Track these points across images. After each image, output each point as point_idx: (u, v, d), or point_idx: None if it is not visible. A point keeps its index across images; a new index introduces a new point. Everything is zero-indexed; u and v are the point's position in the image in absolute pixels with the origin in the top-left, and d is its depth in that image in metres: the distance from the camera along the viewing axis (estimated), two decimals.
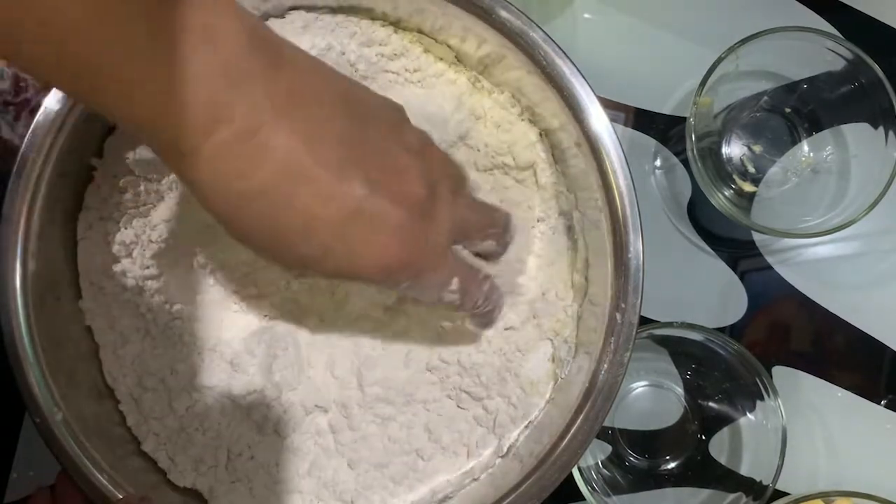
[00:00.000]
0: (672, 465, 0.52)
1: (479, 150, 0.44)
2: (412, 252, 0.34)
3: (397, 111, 0.36)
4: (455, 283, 0.37)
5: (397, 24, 0.44)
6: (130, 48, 0.28)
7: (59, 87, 0.35)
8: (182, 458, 0.42)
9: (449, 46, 0.44)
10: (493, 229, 0.41)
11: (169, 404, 0.42)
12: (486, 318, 0.42)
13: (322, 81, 0.33)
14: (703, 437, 0.52)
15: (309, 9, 0.43)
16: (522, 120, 0.44)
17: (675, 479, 0.51)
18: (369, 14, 0.44)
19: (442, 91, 0.44)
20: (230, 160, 0.30)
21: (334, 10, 0.43)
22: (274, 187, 0.31)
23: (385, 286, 0.36)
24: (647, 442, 0.52)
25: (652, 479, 0.51)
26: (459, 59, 0.45)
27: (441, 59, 0.44)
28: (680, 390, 0.53)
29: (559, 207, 0.44)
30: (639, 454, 0.52)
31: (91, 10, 0.27)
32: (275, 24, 0.42)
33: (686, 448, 0.52)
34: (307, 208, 0.32)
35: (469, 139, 0.44)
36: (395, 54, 0.44)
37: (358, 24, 0.43)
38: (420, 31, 0.44)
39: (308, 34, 0.43)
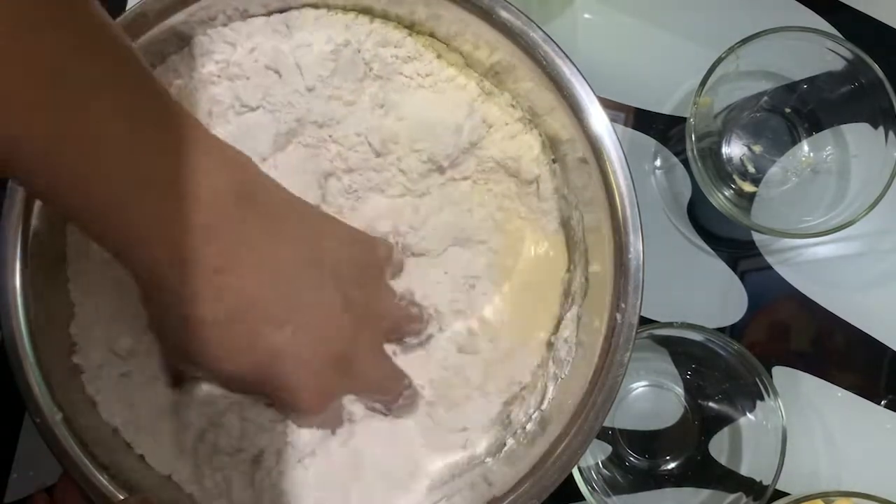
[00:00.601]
0: (672, 465, 0.52)
1: (486, 160, 0.44)
2: (309, 402, 0.39)
3: (340, 232, 0.41)
4: (332, 430, 0.42)
5: (411, 28, 0.44)
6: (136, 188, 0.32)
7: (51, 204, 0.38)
8: (183, 461, 0.42)
9: (460, 53, 0.44)
10: (388, 395, 0.42)
11: (163, 409, 0.42)
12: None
13: (294, 226, 0.38)
14: (704, 438, 0.52)
15: (321, 6, 0.43)
16: (527, 130, 0.44)
17: (676, 480, 0.51)
18: (384, 15, 0.44)
19: (453, 97, 0.44)
20: (196, 292, 0.35)
21: (346, 9, 0.43)
22: (227, 320, 0.36)
23: (276, 410, 0.41)
24: (648, 442, 0.52)
25: (652, 480, 0.51)
26: (469, 65, 0.45)
27: (452, 64, 0.44)
28: (680, 390, 0.52)
29: (559, 212, 0.45)
30: (639, 454, 0.52)
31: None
32: (288, 17, 0.43)
33: (686, 448, 0.52)
34: (247, 347, 0.37)
35: (479, 148, 0.44)
36: (409, 57, 0.44)
37: (372, 24, 0.44)
38: (433, 35, 0.44)
39: (323, 28, 0.43)
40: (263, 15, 0.43)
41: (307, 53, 0.42)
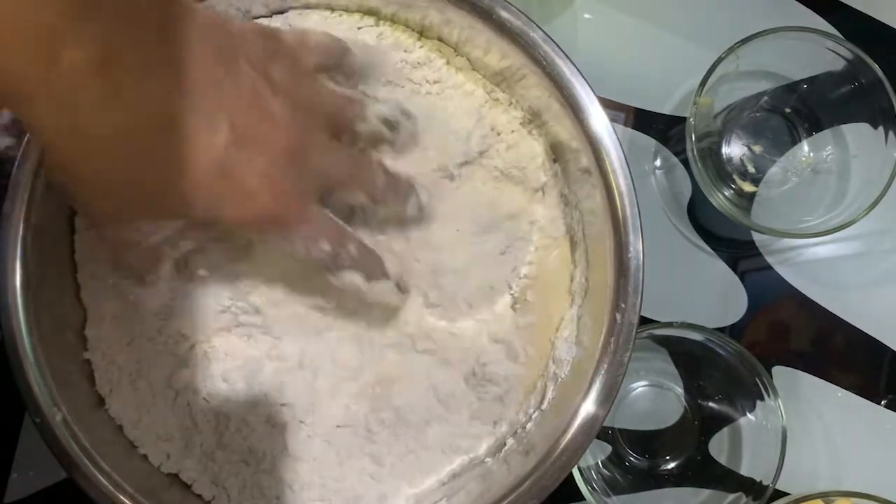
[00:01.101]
0: (672, 465, 0.52)
1: (492, 169, 0.44)
2: (276, 205, 0.33)
3: (262, 38, 0.34)
4: (324, 242, 0.35)
5: (421, 33, 0.44)
6: None
7: None
8: (188, 461, 0.42)
9: (468, 58, 0.44)
10: (376, 185, 0.37)
11: (167, 406, 0.43)
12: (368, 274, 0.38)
13: (187, 15, 0.30)
14: (703, 437, 0.52)
15: (323, 7, 0.43)
16: (533, 136, 0.44)
17: (675, 479, 0.51)
18: (391, 19, 0.44)
19: (461, 104, 0.44)
20: (78, 95, 0.27)
21: (350, 11, 0.43)
22: (132, 131, 0.28)
23: (255, 236, 0.35)
24: (647, 442, 0.52)
25: (652, 479, 0.51)
26: (475, 69, 0.45)
27: (459, 69, 0.44)
28: (680, 390, 0.53)
29: (564, 219, 0.45)
30: (639, 454, 0.52)
31: None
32: (289, 18, 0.43)
33: (686, 448, 0.52)
34: (171, 156, 0.29)
35: (487, 157, 0.44)
36: (419, 63, 0.44)
37: (380, 27, 0.44)
38: (440, 40, 0.44)
39: (330, 30, 0.42)
40: (265, 16, 0.43)
41: None
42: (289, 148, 0.32)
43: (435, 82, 0.44)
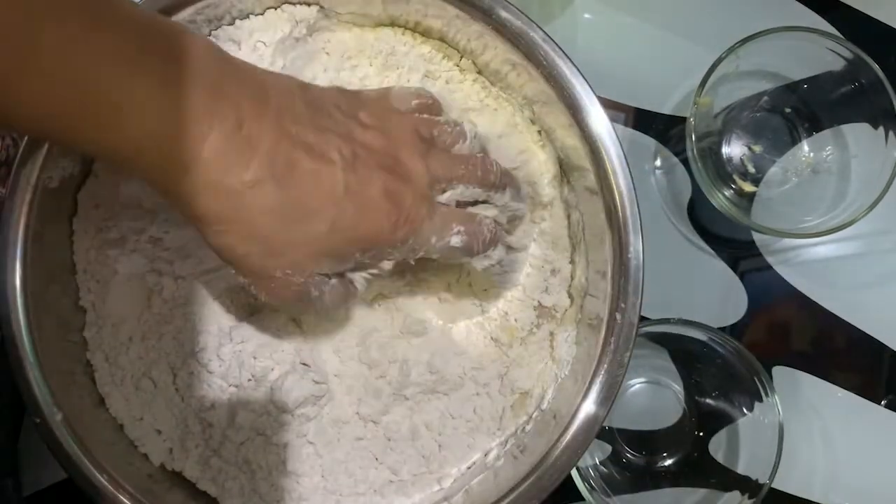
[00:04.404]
0: (669, 462, 0.52)
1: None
2: (403, 208, 0.37)
3: (346, 95, 0.39)
4: (456, 226, 0.38)
5: (462, 68, 0.45)
6: (127, 82, 0.31)
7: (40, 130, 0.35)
8: (189, 460, 0.42)
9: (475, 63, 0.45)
10: (469, 169, 0.40)
11: (167, 407, 0.43)
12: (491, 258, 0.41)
13: (279, 80, 0.37)
14: (702, 435, 0.52)
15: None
16: (544, 151, 0.44)
17: (673, 478, 0.51)
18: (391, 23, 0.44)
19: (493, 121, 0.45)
20: (226, 158, 0.33)
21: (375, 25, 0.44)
22: (269, 174, 0.34)
23: (393, 246, 0.38)
24: (645, 440, 0.52)
25: (649, 478, 0.52)
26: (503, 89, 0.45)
27: (491, 91, 0.45)
28: (678, 388, 0.53)
29: (564, 216, 0.45)
30: (636, 451, 0.52)
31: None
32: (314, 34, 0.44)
33: (684, 446, 0.52)
34: (302, 189, 0.35)
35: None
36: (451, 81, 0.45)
37: (414, 45, 0.45)
38: (479, 73, 0.45)
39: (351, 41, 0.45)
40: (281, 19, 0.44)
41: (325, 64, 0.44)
42: (390, 165, 0.37)
43: (468, 110, 0.45)
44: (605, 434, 0.52)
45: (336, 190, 0.35)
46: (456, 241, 0.38)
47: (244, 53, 0.42)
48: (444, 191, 0.39)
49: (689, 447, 0.52)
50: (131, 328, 0.43)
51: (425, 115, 0.40)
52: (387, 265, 0.39)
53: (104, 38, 0.31)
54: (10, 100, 0.30)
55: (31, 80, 0.30)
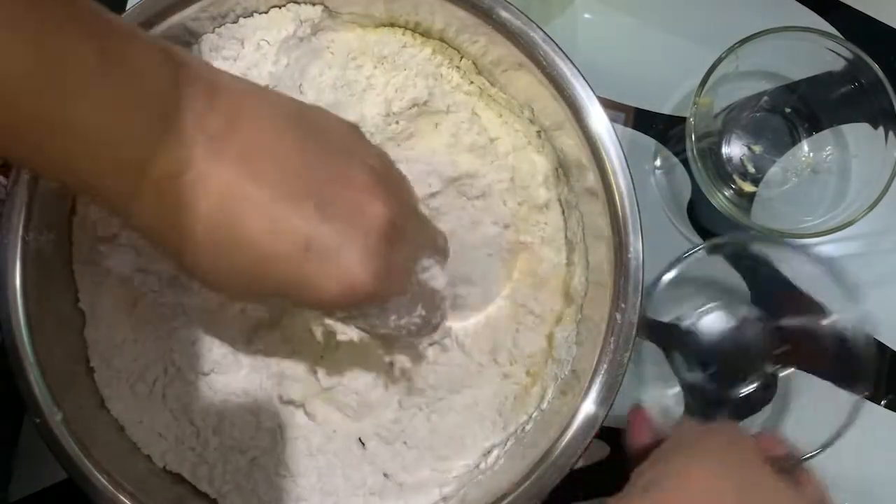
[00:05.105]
0: (744, 389, 0.50)
1: (499, 181, 0.45)
2: (379, 278, 0.32)
3: (352, 130, 0.35)
4: (419, 309, 0.35)
5: (462, 68, 0.45)
6: (66, 99, 0.27)
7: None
8: (189, 461, 0.42)
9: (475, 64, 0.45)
10: (438, 248, 0.37)
11: (166, 408, 0.43)
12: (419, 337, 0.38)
13: (264, 106, 0.31)
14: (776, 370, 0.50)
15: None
16: (540, 151, 0.44)
17: (747, 407, 0.50)
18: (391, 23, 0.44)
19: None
20: (169, 198, 0.29)
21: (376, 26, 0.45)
22: (215, 224, 0.29)
23: (351, 314, 0.34)
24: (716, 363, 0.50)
25: (723, 408, 0.50)
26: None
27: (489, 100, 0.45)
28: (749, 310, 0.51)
29: (563, 217, 0.45)
30: (707, 379, 0.50)
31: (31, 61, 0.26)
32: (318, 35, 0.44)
33: (756, 372, 0.50)
34: (256, 243, 0.30)
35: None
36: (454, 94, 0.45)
37: (422, 53, 0.44)
38: (479, 73, 0.45)
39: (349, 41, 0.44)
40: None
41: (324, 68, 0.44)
42: (383, 225, 0.32)
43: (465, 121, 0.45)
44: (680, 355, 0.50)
45: (296, 248, 0.30)
46: (413, 324, 0.35)
47: (248, 52, 0.42)
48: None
49: (761, 375, 0.50)
50: (125, 330, 0.42)
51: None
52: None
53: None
54: None
55: None
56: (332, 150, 0.32)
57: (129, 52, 0.28)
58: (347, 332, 0.36)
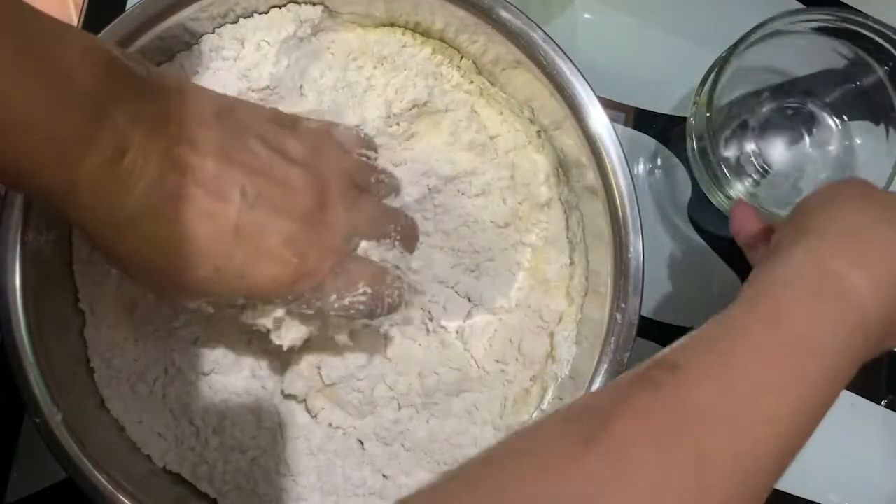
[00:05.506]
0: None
1: (498, 180, 0.45)
2: (305, 261, 0.34)
3: (280, 121, 0.36)
4: (363, 286, 0.36)
5: (462, 68, 0.45)
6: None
7: None
8: (189, 461, 0.42)
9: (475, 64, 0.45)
10: (396, 229, 0.38)
11: (166, 408, 0.43)
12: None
13: (193, 100, 0.33)
14: None
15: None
16: (540, 150, 0.44)
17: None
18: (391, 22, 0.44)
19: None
20: (104, 188, 0.31)
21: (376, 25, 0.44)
22: (149, 211, 0.31)
23: (288, 300, 0.35)
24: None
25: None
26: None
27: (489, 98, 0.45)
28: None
29: (563, 216, 0.45)
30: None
31: None
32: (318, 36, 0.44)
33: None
34: (186, 229, 0.32)
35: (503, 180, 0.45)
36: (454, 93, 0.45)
37: (423, 53, 0.44)
38: (479, 73, 0.45)
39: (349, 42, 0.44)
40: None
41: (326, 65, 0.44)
42: (306, 210, 0.34)
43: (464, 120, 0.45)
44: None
45: (225, 233, 0.32)
46: (359, 302, 0.36)
47: (248, 52, 0.42)
48: (360, 241, 0.36)
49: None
50: (125, 330, 0.42)
51: (364, 159, 0.38)
52: (279, 312, 0.36)
53: None
54: None
55: None
56: (259, 142, 0.34)
57: (52, 50, 0.29)
58: (301, 329, 0.37)
